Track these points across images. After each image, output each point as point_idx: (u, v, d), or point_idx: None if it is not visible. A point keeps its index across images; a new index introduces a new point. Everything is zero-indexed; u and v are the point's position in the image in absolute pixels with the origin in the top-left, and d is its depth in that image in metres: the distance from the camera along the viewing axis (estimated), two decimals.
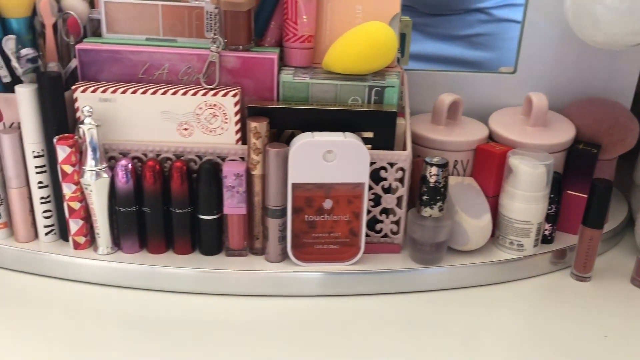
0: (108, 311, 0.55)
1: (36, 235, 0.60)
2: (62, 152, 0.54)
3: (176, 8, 0.56)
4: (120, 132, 0.56)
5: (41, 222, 0.59)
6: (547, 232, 0.62)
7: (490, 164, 0.61)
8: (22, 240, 0.59)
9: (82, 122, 0.53)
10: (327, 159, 0.53)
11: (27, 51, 0.53)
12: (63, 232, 0.59)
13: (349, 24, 0.59)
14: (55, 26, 0.56)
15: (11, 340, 0.51)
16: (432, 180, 0.55)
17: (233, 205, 0.56)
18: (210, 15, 0.56)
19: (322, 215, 0.56)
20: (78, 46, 0.55)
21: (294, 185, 0.54)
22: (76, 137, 0.55)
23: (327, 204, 0.55)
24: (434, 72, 0.70)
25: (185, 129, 0.56)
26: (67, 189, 0.56)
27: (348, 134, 0.54)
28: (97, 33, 0.59)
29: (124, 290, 0.57)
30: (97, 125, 0.53)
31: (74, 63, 0.57)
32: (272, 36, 0.59)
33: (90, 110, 0.53)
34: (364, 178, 0.55)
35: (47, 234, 0.59)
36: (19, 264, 0.59)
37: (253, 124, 0.54)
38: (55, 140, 0.54)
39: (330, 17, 0.59)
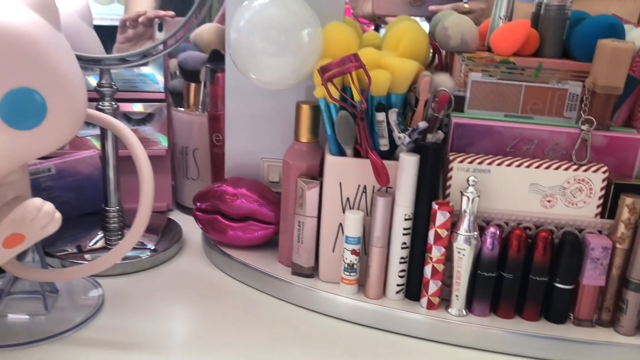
0: None
1: (383, 294, 0.64)
2: (442, 216, 0.58)
3: (540, 89, 0.61)
4: (486, 200, 0.60)
5: (394, 280, 0.62)
6: None
7: None
8: (372, 297, 0.63)
9: (466, 190, 0.57)
10: None
11: (423, 124, 0.58)
12: (410, 292, 0.63)
13: None
14: (426, 101, 0.62)
15: None
16: None
17: (594, 276, 0.58)
18: (574, 96, 0.60)
19: None
20: (454, 120, 0.60)
21: None
22: (451, 203, 0.59)
23: None
24: None
25: (549, 201, 0.59)
26: (437, 252, 0.59)
27: None
28: (454, 108, 0.64)
29: (473, 351, 0.60)
30: (478, 195, 0.57)
31: (440, 135, 0.61)
32: (620, 116, 0.63)
33: (475, 180, 0.57)
34: None
35: (397, 292, 0.63)
36: (370, 319, 0.62)
37: (630, 200, 0.56)
38: (435, 205, 0.58)
39: None
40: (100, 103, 0.68)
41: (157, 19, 0.75)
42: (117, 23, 0.76)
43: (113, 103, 0.69)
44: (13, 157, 0.48)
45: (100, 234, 0.75)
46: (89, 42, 0.74)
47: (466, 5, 0.99)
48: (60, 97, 0.49)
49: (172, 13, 0.76)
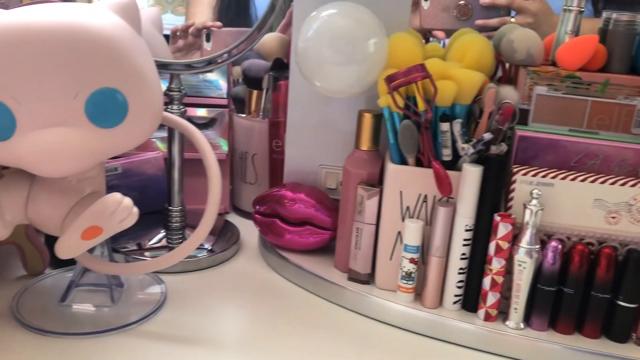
0: None
1: (440, 303, 0.64)
2: (504, 228, 0.58)
3: (606, 104, 0.60)
4: (549, 214, 0.59)
5: (451, 291, 0.62)
6: None
7: None
8: (429, 306, 0.63)
9: (529, 203, 0.57)
10: None
11: (488, 135, 0.58)
12: (468, 303, 0.63)
13: None
14: (490, 113, 0.62)
15: None
16: None
17: None
18: None
19: None
20: (519, 133, 0.60)
21: None
22: (513, 215, 0.59)
23: None
24: None
25: (613, 217, 0.59)
26: (497, 264, 0.59)
27: None
28: (518, 121, 0.64)
29: None
30: (541, 208, 0.57)
31: (504, 147, 0.61)
32: None
33: (539, 193, 0.57)
34: None
35: (454, 302, 0.63)
36: (426, 328, 0.63)
37: None
38: (498, 217, 0.58)
39: None
40: (170, 106, 0.71)
41: (204, 30, 0.77)
42: (169, 32, 0.79)
43: (181, 107, 0.72)
44: (95, 153, 0.51)
45: (162, 233, 0.78)
46: (159, 48, 0.77)
47: (512, 20, 0.99)
48: (140, 97, 0.51)
49: (219, 24, 0.78)
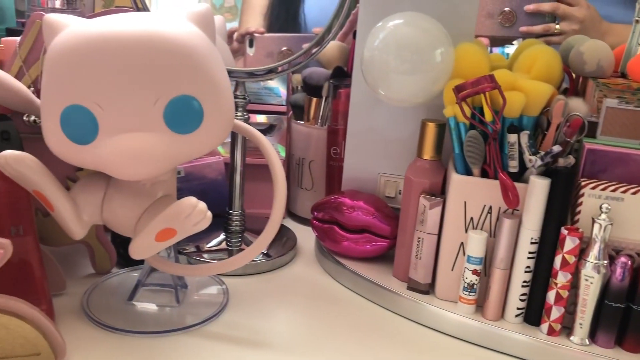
0: None
1: (502, 316, 0.63)
2: (572, 242, 0.57)
3: None
4: (617, 229, 0.58)
5: (514, 304, 0.62)
6: None
7: None
8: (490, 318, 0.63)
9: (598, 217, 0.57)
10: None
11: (557, 148, 0.58)
12: (530, 316, 0.62)
13: None
14: (557, 125, 0.62)
15: None
16: None
17: None
18: None
19: None
20: (587, 146, 0.60)
21: None
22: (580, 229, 0.58)
23: None
24: None
25: None
26: (562, 277, 0.59)
27: None
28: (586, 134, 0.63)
29: None
30: (610, 223, 0.56)
31: (572, 160, 0.61)
32: None
33: (609, 207, 0.56)
34: None
35: (516, 315, 0.62)
36: (488, 340, 0.62)
37: None
38: (565, 230, 0.58)
39: None
40: (234, 113, 0.72)
41: (247, 36, 0.78)
42: None
43: (245, 113, 0.73)
44: (171, 158, 0.52)
45: (221, 236, 0.79)
46: (225, 56, 0.78)
47: (557, 27, 0.98)
48: (214, 105, 0.53)
49: (262, 30, 0.79)
